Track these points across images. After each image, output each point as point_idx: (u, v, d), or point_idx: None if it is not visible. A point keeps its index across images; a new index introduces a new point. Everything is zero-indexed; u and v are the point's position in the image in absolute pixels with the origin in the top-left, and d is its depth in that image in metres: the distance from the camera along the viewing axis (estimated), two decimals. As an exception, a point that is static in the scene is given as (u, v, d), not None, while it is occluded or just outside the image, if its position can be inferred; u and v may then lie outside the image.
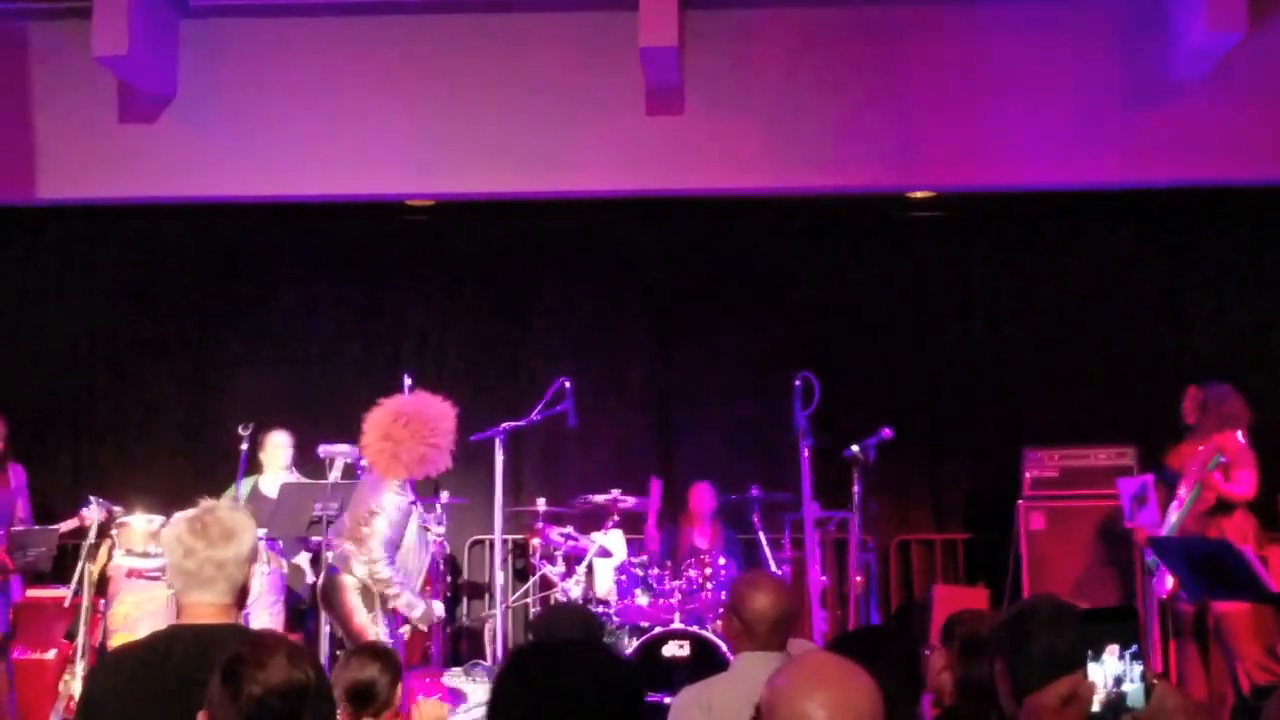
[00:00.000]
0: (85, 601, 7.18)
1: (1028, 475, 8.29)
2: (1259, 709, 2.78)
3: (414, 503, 6.19)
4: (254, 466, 7.91)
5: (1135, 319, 9.01)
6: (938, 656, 4.33)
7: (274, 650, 2.79)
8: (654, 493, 8.26)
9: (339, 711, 4.67)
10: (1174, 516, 7.32)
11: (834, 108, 8.18)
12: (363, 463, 6.31)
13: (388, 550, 5.99)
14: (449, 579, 8.28)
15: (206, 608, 3.32)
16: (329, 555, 6.27)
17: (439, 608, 6.48)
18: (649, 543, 8.19)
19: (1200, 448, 7.39)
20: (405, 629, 6.24)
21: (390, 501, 6.03)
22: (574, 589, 7.63)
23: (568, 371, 7.35)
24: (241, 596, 3.44)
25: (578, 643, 2.98)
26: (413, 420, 6.08)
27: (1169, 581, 6.97)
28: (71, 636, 7.19)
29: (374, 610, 6.00)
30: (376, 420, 6.14)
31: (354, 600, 5.99)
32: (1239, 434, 7.06)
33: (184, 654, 3.15)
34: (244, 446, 6.93)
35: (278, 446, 8.05)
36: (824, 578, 7.49)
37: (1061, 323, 9.08)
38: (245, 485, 7.87)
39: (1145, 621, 7.66)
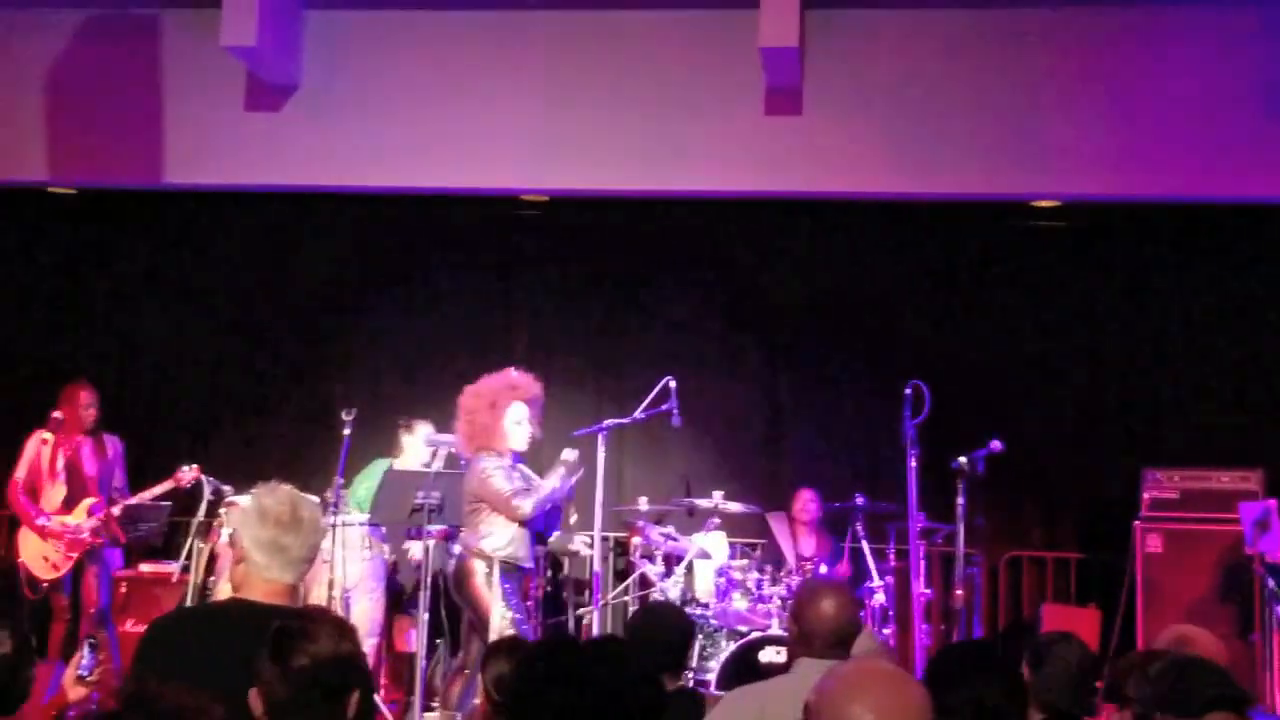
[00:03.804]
0: (193, 578, 7.35)
1: (1146, 495, 8.02)
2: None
3: (513, 465, 6.58)
4: (381, 451, 7.95)
5: (1266, 339, 8.66)
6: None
7: (320, 623, 2.83)
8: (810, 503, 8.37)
9: (480, 701, 4.65)
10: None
11: (956, 112, 8.01)
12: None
13: (516, 498, 6.37)
14: (549, 574, 8.27)
15: (282, 587, 3.37)
16: (456, 545, 6.60)
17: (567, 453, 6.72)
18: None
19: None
20: None
21: (483, 466, 6.45)
22: (672, 589, 7.55)
23: (676, 370, 7.28)
24: None
25: (608, 647, 2.94)
26: (469, 394, 6.65)
27: (1292, 610, 6.70)
28: (179, 611, 7.34)
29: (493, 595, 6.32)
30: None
31: (481, 586, 6.33)
32: None
33: (254, 630, 2.99)
34: (346, 432, 6.98)
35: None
36: (928, 590, 7.32)
37: (1188, 340, 8.77)
38: (379, 466, 7.85)
39: (1263, 651, 7.37)
